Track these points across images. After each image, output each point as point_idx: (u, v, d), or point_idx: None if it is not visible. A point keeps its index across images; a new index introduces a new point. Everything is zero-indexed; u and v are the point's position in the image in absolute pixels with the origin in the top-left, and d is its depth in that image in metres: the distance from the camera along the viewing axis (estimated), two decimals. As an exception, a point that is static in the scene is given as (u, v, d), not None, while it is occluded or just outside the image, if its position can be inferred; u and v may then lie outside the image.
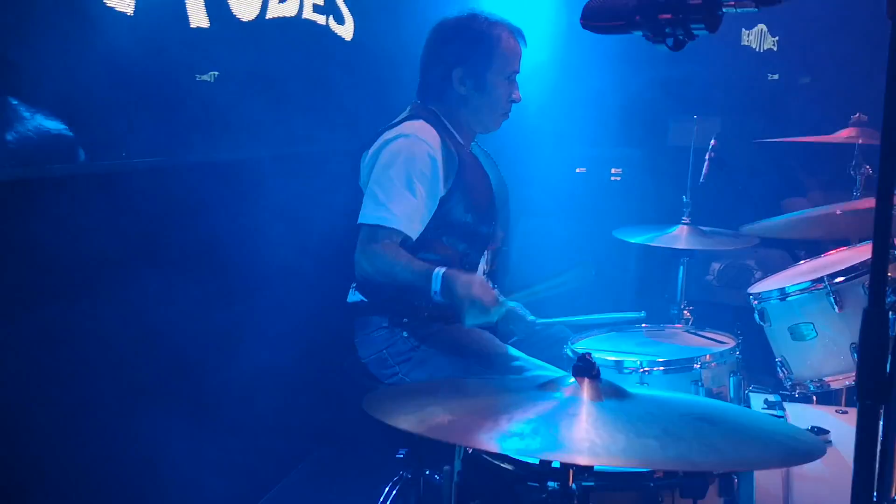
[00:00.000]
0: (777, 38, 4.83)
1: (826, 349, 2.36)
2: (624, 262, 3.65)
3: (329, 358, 2.89)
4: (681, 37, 1.23)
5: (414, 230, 2.47)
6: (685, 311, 3.13)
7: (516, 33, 2.63)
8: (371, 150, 2.57)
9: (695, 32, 1.21)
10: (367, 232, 2.45)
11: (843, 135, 2.92)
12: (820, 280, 2.34)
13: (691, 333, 2.86)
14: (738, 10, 1.17)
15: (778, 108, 4.60)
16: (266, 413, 2.89)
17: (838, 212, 2.65)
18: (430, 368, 2.54)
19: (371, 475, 2.88)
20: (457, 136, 2.62)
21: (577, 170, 4.60)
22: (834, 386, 2.38)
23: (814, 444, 1.41)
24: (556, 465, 1.54)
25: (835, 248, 2.70)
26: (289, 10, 3.08)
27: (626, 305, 3.37)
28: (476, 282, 2.35)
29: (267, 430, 2.93)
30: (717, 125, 4.42)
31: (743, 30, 4.84)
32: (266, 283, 2.89)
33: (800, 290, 2.40)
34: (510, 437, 1.30)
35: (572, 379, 1.56)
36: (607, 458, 1.24)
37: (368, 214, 2.46)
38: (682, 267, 3.17)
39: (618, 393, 1.51)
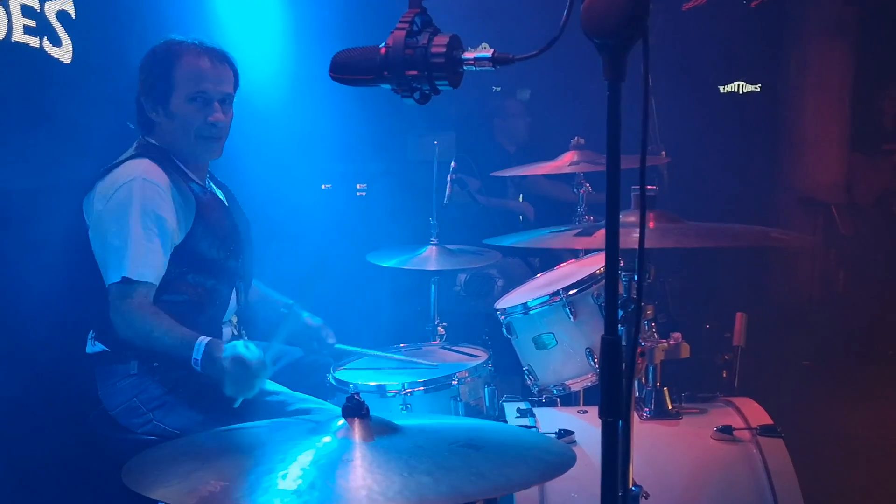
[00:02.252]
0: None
1: (565, 355, 2.58)
2: (378, 283, 3.72)
3: (69, 414, 2.66)
4: (426, 91, 1.29)
5: (159, 277, 2.36)
6: (439, 328, 3.28)
7: (206, 52, 2.48)
8: (96, 195, 2.41)
9: (439, 87, 1.28)
10: (117, 290, 2.31)
11: (566, 160, 3.22)
12: (556, 293, 2.55)
13: (447, 350, 3.00)
14: (478, 69, 1.26)
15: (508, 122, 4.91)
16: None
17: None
18: (186, 412, 2.43)
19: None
20: (185, 169, 2.53)
21: (323, 186, 4.61)
22: (574, 388, 2.61)
23: (565, 455, 1.54)
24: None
25: (565, 261, 2.97)
26: (-5, 32, 2.79)
27: (383, 326, 3.45)
28: (238, 351, 2.23)
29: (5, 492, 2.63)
30: (452, 139, 4.67)
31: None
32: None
33: (540, 304, 2.59)
34: (289, 496, 1.28)
35: (342, 420, 1.57)
36: (385, 503, 1.27)
37: (114, 272, 2.32)
38: (433, 285, 3.32)
39: (388, 429, 1.55)
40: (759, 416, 2.33)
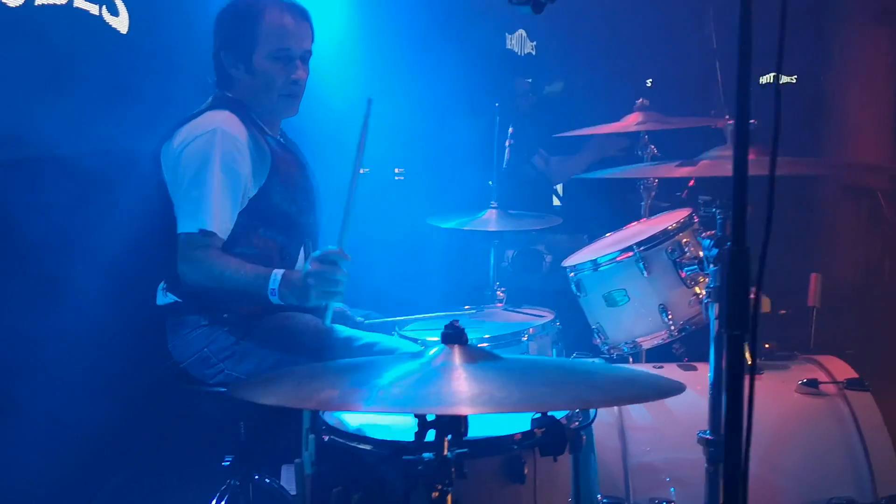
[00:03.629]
0: (535, 42, 5.11)
1: (637, 312, 2.55)
2: (436, 248, 3.70)
3: (140, 367, 2.66)
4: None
5: (228, 232, 2.35)
6: (498, 292, 3.25)
7: (287, 9, 2.45)
8: (175, 145, 2.39)
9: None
10: (188, 239, 2.30)
11: (632, 120, 3.17)
12: (629, 249, 2.52)
13: (510, 311, 2.97)
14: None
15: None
16: (74, 427, 2.61)
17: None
18: (255, 360, 2.42)
19: (196, 488, 2.69)
20: (260, 123, 2.51)
21: (362, 170, 4.57)
22: (645, 346, 2.58)
23: (672, 383, 1.51)
24: (430, 437, 1.53)
25: (631, 223, 2.93)
26: (58, -3, 2.82)
27: (441, 291, 3.42)
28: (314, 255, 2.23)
29: (77, 448, 2.64)
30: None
31: (507, 34, 5.04)
32: (64, 291, 2.60)
33: (611, 260, 2.57)
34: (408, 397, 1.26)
35: (434, 350, 1.54)
36: (511, 405, 1.24)
37: (188, 221, 2.31)
38: (492, 249, 3.29)
39: (489, 356, 1.52)
40: (844, 370, 2.28)
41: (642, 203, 3.17)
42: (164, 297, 2.50)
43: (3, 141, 2.61)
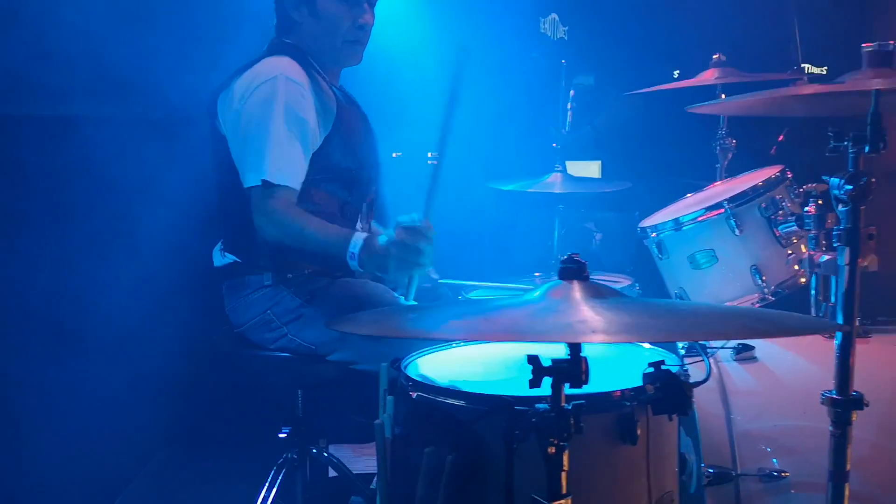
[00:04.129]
0: (567, 27, 4.92)
1: (726, 274, 2.37)
2: (497, 214, 3.55)
3: (195, 332, 2.53)
4: None
5: (300, 183, 2.20)
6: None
7: None
8: (235, 95, 2.24)
9: None
10: (258, 192, 2.15)
11: (708, 76, 2.99)
12: (718, 205, 2.34)
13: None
14: None
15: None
16: (128, 397, 2.48)
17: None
18: (320, 326, 2.26)
19: (250, 459, 2.56)
20: (322, 71, 2.36)
21: (394, 154, 4.42)
22: (733, 311, 2.40)
23: (819, 321, 1.33)
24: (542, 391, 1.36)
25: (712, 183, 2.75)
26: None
27: (504, 257, 3.27)
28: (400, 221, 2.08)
29: (129, 418, 2.52)
30: None
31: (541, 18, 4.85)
32: (117, 258, 2.48)
33: (696, 218, 2.40)
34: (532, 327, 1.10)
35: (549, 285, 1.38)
36: (659, 334, 1.08)
37: (253, 174, 2.16)
38: (557, 218, 3.13)
39: (613, 293, 1.36)
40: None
41: (717, 165, 2.99)
42: (221, 258, 2.36)
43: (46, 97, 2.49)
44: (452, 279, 2.61)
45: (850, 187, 1.58)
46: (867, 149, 1.56)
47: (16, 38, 2.47)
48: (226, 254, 2.34)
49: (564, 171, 3.08)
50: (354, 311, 2.22)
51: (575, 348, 1.25)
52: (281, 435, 2.48)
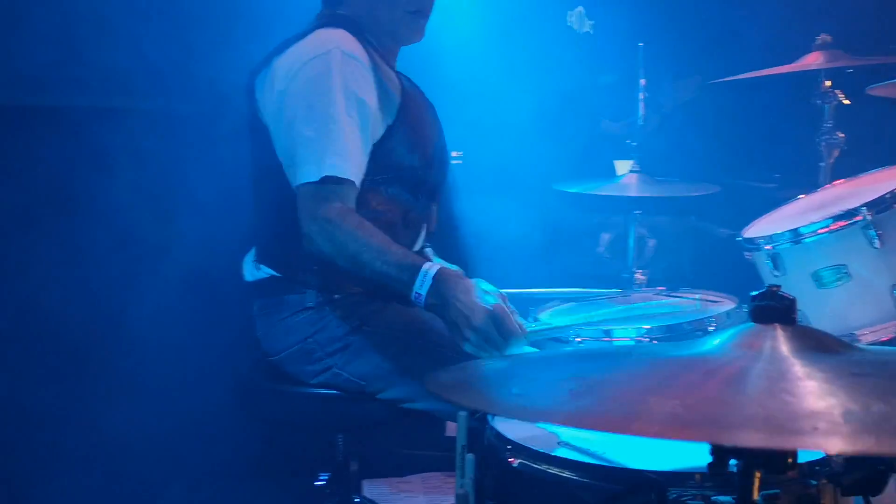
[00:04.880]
0: (592, 22, 4.56)
1: (860, 295, 1.98)
2: (561, 220, 3.17)
3: (218, 361, 2.15)
4: None
5: (361, 176, 1.82)
6: (637, 273, 2.69)
7: None
8: (278, 73, 1.87)
9: None
10: (312, 191, 1.76)
11: (810, 60, 2.58)
12: (854, 212, 1.94)
13: (667, 296, 2.39)
14: None
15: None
16: (139, 433, 2.14)
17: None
18: (374, 358, 1.88)
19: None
20: (380, 49, 1.97)
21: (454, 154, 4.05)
22: (865, 339, 1.99)
23: None
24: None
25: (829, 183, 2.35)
26: None
27: (570, 270, 2.90)
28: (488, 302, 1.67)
29: (139, 457, 2.17)
30: None
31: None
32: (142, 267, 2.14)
33: (822, 229, 1.99)
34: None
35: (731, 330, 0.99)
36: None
37: (307, 169, 1.77)
38: (632, 225, 2.74)
39: (842, 345, 0.96)
40: None
41: (821, 164, 2.58)
42: (254, 272, 1.98)
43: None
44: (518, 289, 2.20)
45: None
46: None
47: (60, 29, 2.21)
48: (260, 266, 1.96)
49: (642, 170, 2.69)
50: (413, 345, 1.87)
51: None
52: (318, 483, 2.11)
